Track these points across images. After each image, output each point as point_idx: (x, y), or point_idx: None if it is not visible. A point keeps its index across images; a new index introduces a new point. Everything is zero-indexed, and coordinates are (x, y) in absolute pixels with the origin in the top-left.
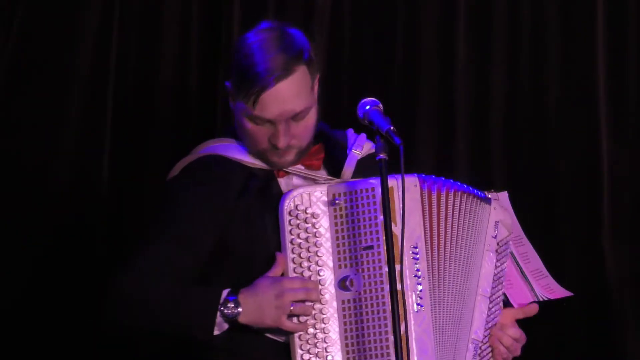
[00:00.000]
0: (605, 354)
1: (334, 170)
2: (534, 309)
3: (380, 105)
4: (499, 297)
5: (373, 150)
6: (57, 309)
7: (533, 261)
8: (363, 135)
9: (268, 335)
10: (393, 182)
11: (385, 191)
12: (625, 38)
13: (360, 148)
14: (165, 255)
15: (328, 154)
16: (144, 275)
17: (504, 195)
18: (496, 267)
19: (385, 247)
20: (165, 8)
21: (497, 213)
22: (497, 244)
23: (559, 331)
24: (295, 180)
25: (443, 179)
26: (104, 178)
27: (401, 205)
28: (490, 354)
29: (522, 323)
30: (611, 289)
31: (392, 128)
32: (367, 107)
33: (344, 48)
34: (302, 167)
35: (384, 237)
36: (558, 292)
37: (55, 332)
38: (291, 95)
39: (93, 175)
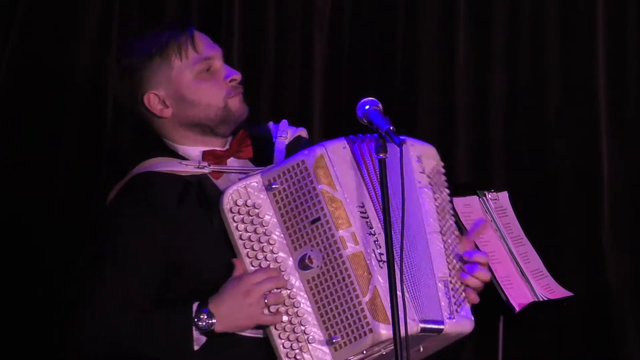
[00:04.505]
0: (606, 355)
1: (267, 164)
2: (484, 227)
3: (380, 105)
4: (450, 226)
5: (298, 134)
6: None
7: (533, 261)
8: (284, 122)
9: (244, 334)
10: (322, 150)
11: (385, 191)
12: (625, 38)
13: (285, 133)
14: (120, 288)
15: (256, 150)
16: (107, 313)
17: (504, 195)
18: (435, 199)
19: (332, 216)
20: (165, 8)
21: (415, 149)
22: (428, 176)
23: (559, 331)
24: (233, 179)
25: (369, 135)
26: (104, 179)
27: (335, 170)
28: (462, 284)
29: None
30: (611, 289)
31: (391, 128)
32: (367, 107)
33: (344, 48)
34: (236, 164)
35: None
36: (558, 292)
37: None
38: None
39: (92, 176)
